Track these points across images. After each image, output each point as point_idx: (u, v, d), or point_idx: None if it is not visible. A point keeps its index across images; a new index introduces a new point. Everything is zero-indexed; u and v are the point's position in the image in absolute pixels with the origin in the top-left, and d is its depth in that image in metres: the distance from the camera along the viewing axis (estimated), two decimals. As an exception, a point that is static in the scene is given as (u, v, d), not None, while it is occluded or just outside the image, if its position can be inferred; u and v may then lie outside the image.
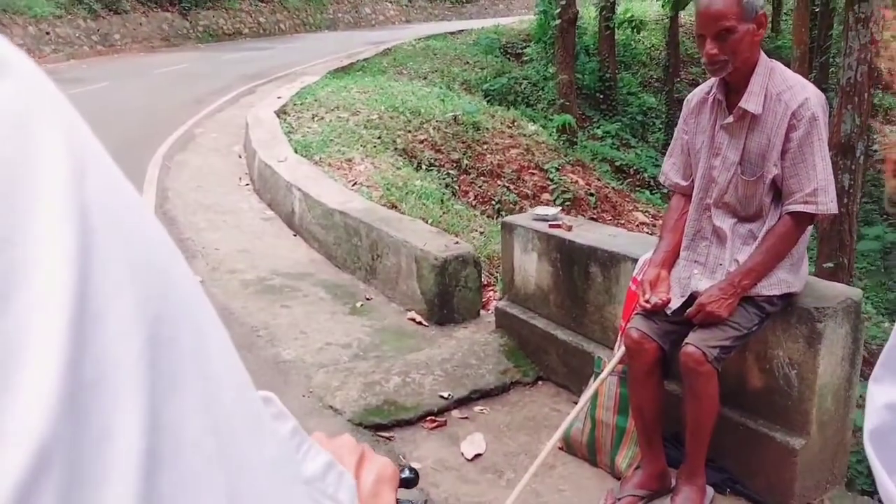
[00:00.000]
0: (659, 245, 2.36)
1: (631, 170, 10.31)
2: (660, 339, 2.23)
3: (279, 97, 9.13)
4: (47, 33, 15.63)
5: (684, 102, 2.35)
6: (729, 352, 2.16)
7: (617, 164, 10.31)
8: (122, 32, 17.74)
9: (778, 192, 2.12)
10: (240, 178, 6.69)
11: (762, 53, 2.07)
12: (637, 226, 7.44)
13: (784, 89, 2.03)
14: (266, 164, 5.86)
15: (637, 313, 2.30)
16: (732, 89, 2.12)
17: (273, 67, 13.91)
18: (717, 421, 2.19)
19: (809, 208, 2.05)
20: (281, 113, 8.13)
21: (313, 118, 7.89)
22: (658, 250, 2.34)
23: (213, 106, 10.40)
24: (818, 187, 2.02)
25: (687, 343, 2.14)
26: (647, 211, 8.17)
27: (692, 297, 2.23)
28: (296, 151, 6.23)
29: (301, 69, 13.23)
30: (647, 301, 2.23)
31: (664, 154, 2.55)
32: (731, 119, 2.11)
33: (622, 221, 7.42)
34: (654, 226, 7.63)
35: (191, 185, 6.46)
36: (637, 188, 9.59)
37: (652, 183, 10.08)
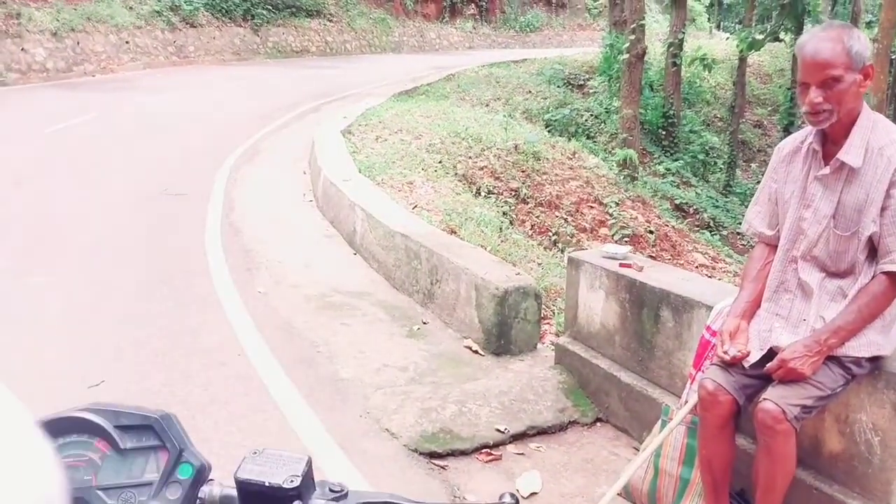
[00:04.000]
0: (740, 295, 2.29)
1: (691, 209, 10.12)
2: (735, 392, 2.15)
3: (344, 117, 9.34)
4: (127, 42, 16.41)
5: (775, 150, 2.28)
6: (810, 412, 2.07)
7: (677, 202, 10.14)
8: (197, 45, 18.48)
9: (873, 250, 2.03)
10: (304, 194, 6.83)
11: (865, 105, 2.01)
12: (696, 267, 7.26)
13: (887, 143, 1.96)
14: (331, 183, 5.96)
15: (713, 364, 2.23)
16: (830, 140, 2.05)
17: (338, 87, 14.23)
18: (791, 482, 2.10)
19: None
20: (346, 132, 8.30)
21: (377, 139, 8.02)
22: (738, 300, 2.27)
23: (280, 121, 10.68)
24: None
25: (765, 399, 2.06)
26: (706, 252, 7.99)
27: (771, 351, 2.15)
28: (359, 171, 6.34)
29: (366, 90, 13.49)
30: (725, 352, 2.17)
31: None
32: (826, 170, 2.04)
33: (681, 262, 7.26)
34: (713, 268, 7.45)
35: (256, 197, 6.62)
36: (696, 228, 9.40)
37: (711, 224, 9.87)
